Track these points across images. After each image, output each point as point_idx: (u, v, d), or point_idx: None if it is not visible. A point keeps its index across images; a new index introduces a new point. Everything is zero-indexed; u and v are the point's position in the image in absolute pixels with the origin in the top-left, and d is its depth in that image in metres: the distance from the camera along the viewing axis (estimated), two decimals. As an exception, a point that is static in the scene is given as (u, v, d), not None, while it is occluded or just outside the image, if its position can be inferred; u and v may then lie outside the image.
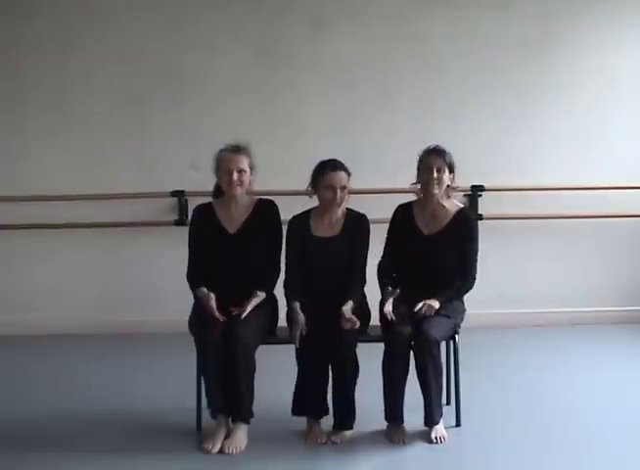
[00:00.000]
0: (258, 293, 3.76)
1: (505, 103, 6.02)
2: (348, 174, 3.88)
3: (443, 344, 3.94)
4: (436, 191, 3.83)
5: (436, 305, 3.69)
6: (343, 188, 3.85)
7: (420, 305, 3.67)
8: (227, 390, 3.65)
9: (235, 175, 3.81)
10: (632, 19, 6.05)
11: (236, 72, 6.00)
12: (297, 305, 3.77)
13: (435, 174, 3.80)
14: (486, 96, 6.01)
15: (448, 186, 3.87)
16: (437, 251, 3.83)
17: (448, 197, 3.92)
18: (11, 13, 5.96)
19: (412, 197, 4.05)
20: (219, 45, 5.98)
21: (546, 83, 6.05)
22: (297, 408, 3.80)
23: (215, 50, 5.99)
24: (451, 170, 3.85)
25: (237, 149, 3.88)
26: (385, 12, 5.99)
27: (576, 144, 6.06)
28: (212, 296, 3.70)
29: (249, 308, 3.70)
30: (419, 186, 3.92)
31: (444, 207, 3.89)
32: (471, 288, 3.89)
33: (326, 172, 3.86)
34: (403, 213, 3.95)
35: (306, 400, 3.77)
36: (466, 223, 3.88)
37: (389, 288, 3.78)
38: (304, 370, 3.75)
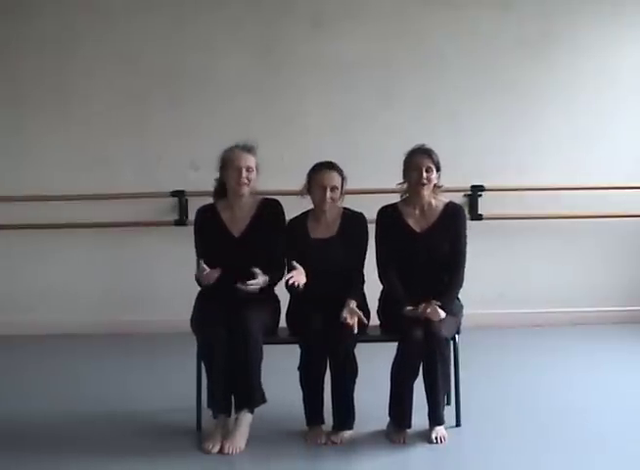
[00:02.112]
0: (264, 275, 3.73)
1: (505, 102, 6.03)
2: (342, 177, 3.89)
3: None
4: (426, 191, 3.86)
5: (443, 314, 3.68)
6: (334, 188, 3.85)
7: (428, 310, 3.65)
8: (232, 382, 3.62)
9: (244, 173, 3.82)
10: (632, 19, 6.07)
11: (236, 72, 6.01)
12: None
13: (425, 174, 3.82)
14: (486, 95, 6.02)
15: (435, 185, 3.89)
16: (431, 247, 3.84)
17: (434, 195, 3.93)
18: (11, 13, 5.97)
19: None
20: (219, 45, 5.99)
21: (546, 83, 6.06)
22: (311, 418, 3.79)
23: (215, 50, 5.99)
24: (438, 169, 3.87)
25: (247, 147, 3.88)
26: (385, 11, 6.01)
27: (576, 144, 6.07)
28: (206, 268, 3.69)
29: (254, 284, 3.66)
30: (405, 186, 3.93)
31: (432, 203, 3.91)
32: (462, 283, 3.89)
33: (318, 172, 3.89)
34: (390, 215, 3.93)
35: (308, 409, 3.76)
36: (455, 217, 3.90)
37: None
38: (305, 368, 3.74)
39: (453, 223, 3.89)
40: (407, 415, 3.69)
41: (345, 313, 3.66)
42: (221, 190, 3.94)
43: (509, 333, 5.75)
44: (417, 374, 3.67)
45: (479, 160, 5.96)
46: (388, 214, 3.95)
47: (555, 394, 4.36)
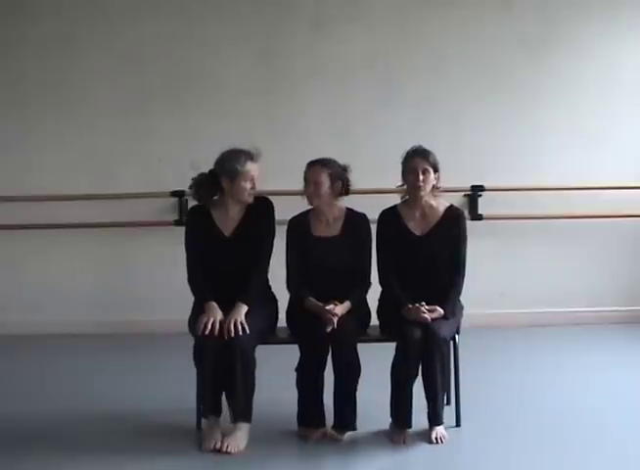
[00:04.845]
0: (240, 304, 3.70)
1: (506, 104, 6.04)
2: (331, 172, 3.85)
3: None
4: (423, 193, 3.85)
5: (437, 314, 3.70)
6: (316, 183, 3.84)
7: (435, 314, 3.67)
8: (225, 390, 3.65)
9: (255, 184, 3.82)
10: (634, 19, 6.06)
11: (238, 74, 6.02)
12: (311, 299, 3.78)
13: (421, 177, 3.81)
14: (487, 96, 6.02)
15: (434, 186, 3.88)
16: (431, 250, 3.83)
17: (435, 196, 3.92)
18: (14, 15, 5.98)
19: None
20: (222, 46, 6.00)
21: (546, 83, 6.06)
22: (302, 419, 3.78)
23: (218, 51, 6.00)
24: (436, 170, 3.86)
25: (256, 158, 3.84)
26: (385, 12, 6.01)
27: (577, 144, 6.06)
28: (220, 317, 3.66)
29: (232, 325, 3.61)
30: (405, 188, 3.93)
31: (433, 206, 3.90)
32: (462, 288, 3.89)
33: (306, 168, 3.90)
34: (391, 217, 3.93)
35: (307, 410, 3.75)
36: (456, 222, 3.89)
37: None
38: (303, 367, 3.74)
39: (454, 228, 3.88)
40: (407, 415, 3.69)
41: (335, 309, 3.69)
42: (212, 189, 3.88)
43: (509, 333, 5.74)
44: (417, 374, 3.67)
45: (479, 160, 5.96)
46: (388, 218, 3.94)
47: (555, 394, 4.36)
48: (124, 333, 5.77)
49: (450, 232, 3.87)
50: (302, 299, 3.82)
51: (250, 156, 3.82)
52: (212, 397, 3.67)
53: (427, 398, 3.68)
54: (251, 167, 3.80)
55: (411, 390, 3.67)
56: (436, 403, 3.67)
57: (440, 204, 3.93)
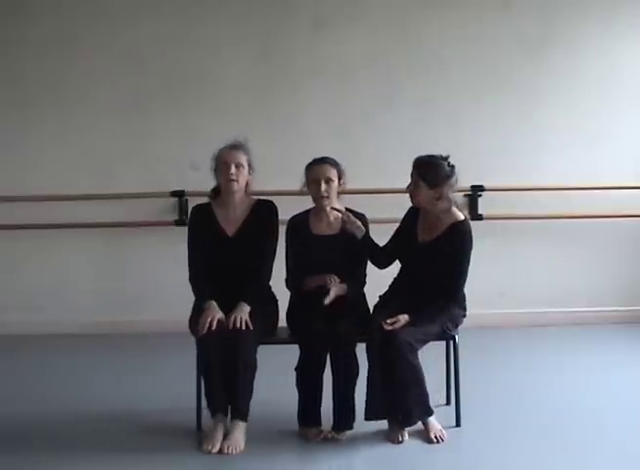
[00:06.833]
0: (244, 306, 3.71)
1: (506, 104, 6.03)
2: (337, 170, 3.88)
3: (443, 344, 3.99)
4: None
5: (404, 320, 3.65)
6: (329, 180, 3.85)
7: (395, 320, 3.62)
8: (227, 388, 3.65)
9: (232, 169, 3.81)
10: (633, 19, 6.06)
11: (238, 73, 6.02)
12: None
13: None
14: (487, 96, 6.02)
15: (440, 197, 3.72)
16: (427, 259, 3.77)
17: (449, 208, 3.77)
18: (14, 15, 5.97)
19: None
20: (221, 46, 6.00)
21: (546, 83, 6.06)
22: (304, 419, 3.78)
23: (217, 51, 6.00)
24: (435, 185, 3.70)
25: (235, 145, 3.90)
26: (385, 13, 6.00)
27: (576, 144, 6.06)
28: (220, 316, 3.66)
29: (237, 321, 3.62)
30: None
31: (440, 217, 3.76)
32: (450, 309, 3.76)
33: (312, 167, 3.90)
34: (412, 216, 3.91)
35: (306, 410, 3.76)
36: (459, 238, 3.74)
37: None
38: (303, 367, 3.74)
39: (456, 244, 3.73)
40: (379, 408, 3.65)
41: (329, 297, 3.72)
42: (217, 191, 3.94)
43: (509, 333, 5.75)
44: (382, 373, 3.62)
45: (478, 160, 5.94)
46: (410, 215, 3.92)
47: (555, 393, 4.36)
48: (124, 333, 5.77)
49: (449, 247, 3.73)
50: (302, 287, 3.82)
51: (230, 144, 3.88)
52: (221, 394, 3.65)
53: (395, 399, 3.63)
54: (229, 153, 3.84)
55: (385, 386, 3.62)
56: (407, 403, 3.63)
57: (452, 217, 3.77)
